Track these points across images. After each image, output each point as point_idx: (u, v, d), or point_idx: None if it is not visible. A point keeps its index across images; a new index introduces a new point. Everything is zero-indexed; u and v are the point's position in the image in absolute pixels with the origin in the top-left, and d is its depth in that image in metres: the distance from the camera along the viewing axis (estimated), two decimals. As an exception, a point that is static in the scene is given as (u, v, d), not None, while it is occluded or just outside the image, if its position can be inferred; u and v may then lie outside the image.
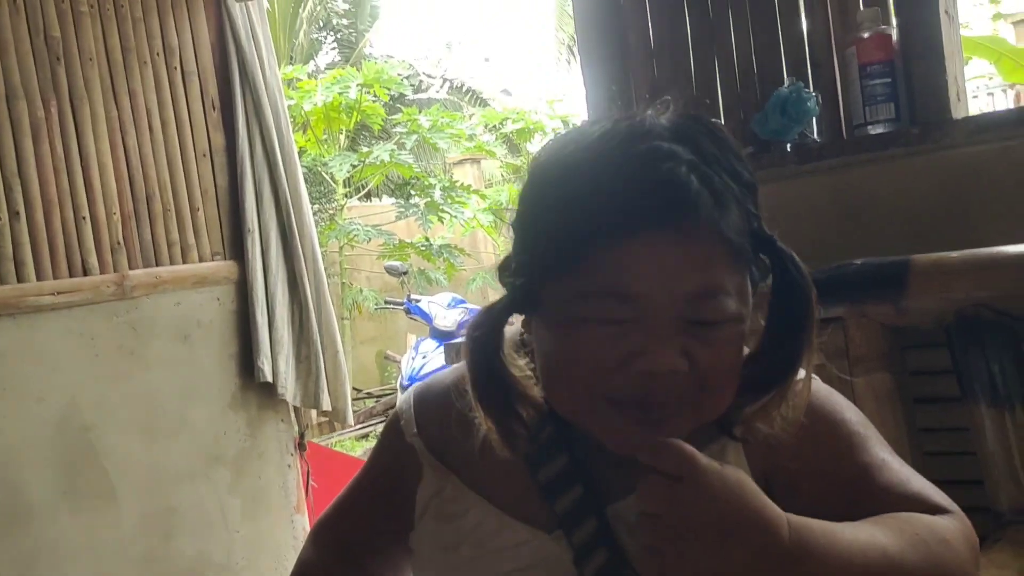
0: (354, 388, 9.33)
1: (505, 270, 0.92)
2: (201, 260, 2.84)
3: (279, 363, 2.89)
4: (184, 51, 2.86)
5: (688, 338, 0.81)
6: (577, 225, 0.81)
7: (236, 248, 2.92)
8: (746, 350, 0.88)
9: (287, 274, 2.96)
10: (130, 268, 2.66)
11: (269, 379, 2.86)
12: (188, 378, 2.77)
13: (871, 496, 0.87)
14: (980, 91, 10.34)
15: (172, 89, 2.83)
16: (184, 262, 2.80)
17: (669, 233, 0.79)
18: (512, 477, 0.98)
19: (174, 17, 2.83)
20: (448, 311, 6.72)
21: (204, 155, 2.89)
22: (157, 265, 2.74)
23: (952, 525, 0.85)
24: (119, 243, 2.65)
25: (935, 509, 0.87)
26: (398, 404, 1.11)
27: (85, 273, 2.57)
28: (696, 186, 0.79)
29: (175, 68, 2.83)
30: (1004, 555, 1.35)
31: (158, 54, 2.79)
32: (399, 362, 7.36)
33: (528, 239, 0.89)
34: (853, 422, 0.95)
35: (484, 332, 0.91)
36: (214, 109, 2.91)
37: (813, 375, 0.96)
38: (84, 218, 2.58)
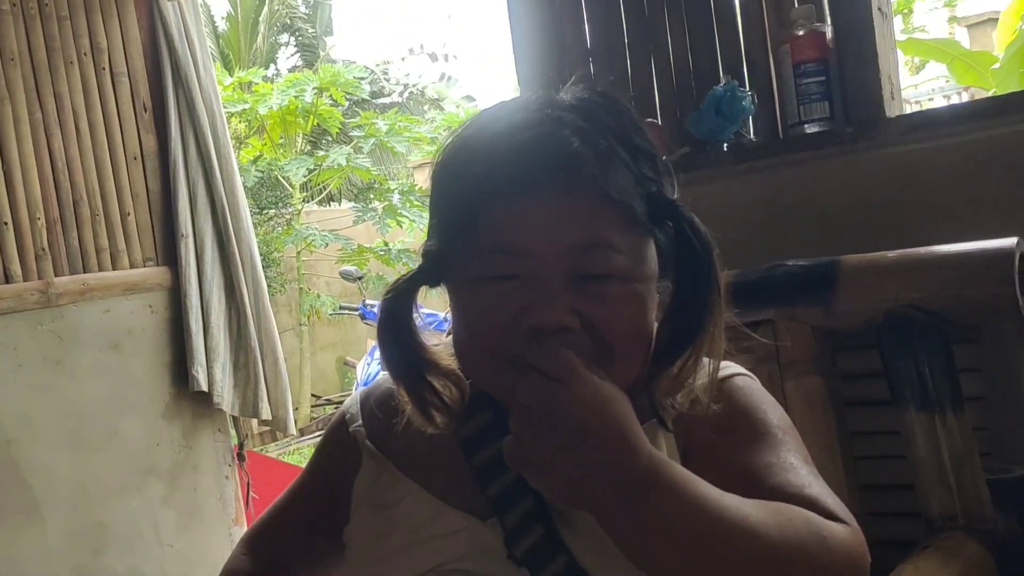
0: (313, 395, 9.25)
1: (420, 251, 0.96)
2: (132, 266, 2.77)
3: (215, 371, 2.82)
4: (113, 51, 2.78)
5: (577, 296, 0.85)
6: (471, 188, 0.87)
7: (169, 254, 2.84)
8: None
9: (224, 280, 2.89)
10: (56, 275, 2.58)
11: (204, 388, 2.79)
12: (118, 388, 2.68)
13: (762, 493, 0.84)
14: (936, 94, 10.45)
15: (101, 90, 2.75)
16: (114, 268, 2.72)
17: (553, 190, 0.84)
18: (450, 465, 0.99)
19: (102, 16, 2.75)
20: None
21: (135, 158, 2.81)
22: (85, 272, 2.66)
23: (839, 530, 0.82)
24: (44, 250, 2.56)
25: (827, 515, 0.83)
26: (344, 404, 1.13)
27: (7, 280, 2.48)
28: (577, 147, 0.84)
29: (104, 69, 2.75)
30: (932, 563, 1.31)
31: (85, 54, 2.70)
32: (356, 368, 7.28)
33: (434, 212, 0.94)
34: (772, 424, 0.94)
35: (392, 301, 0.94)
36: (145, 111, 2.84)
37: (748, 374, 1.00)
38: (5, 224, 2.49)
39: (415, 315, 0.96)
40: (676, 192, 0.94)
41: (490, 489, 0.96)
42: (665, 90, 2.18)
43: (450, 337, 0.97)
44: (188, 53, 2.85)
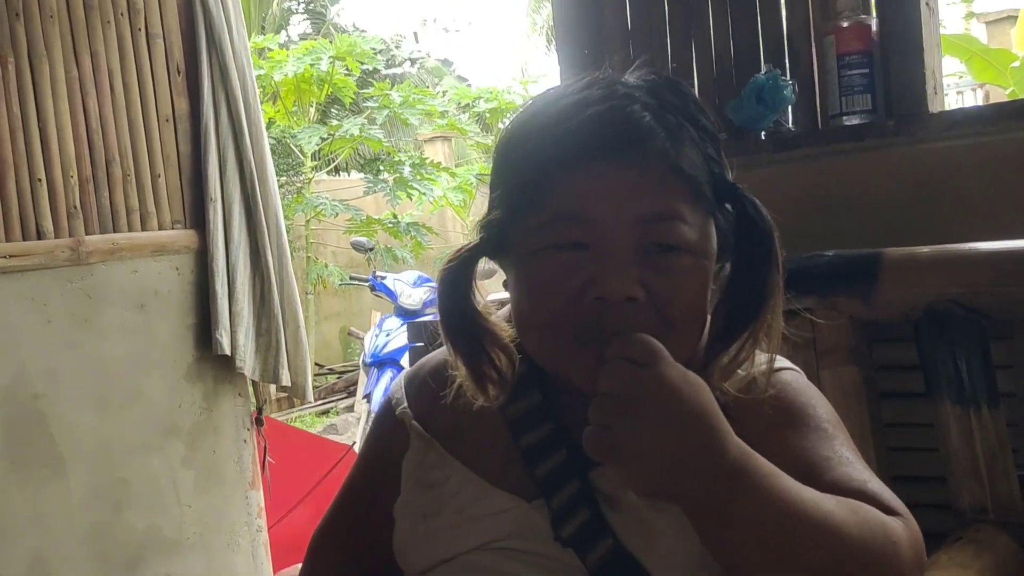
0: (316, 364, 9.27)
1: (480, 223, 0.96)
2: (161, 228, 2.77)
3: (238, 336, 2.83)
4: (149, 12, 2.77)
5: (645, 268, 0.85)
6: (540, 157, 0.87)
7: (197, 217, 2.84)
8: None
9: (249, 245, 2.90)
10: (87, 234, 2.59)
11: (227, 352, 2.80)
12: (143, 348, 2.70)
13: (822, 487, 0.85)
14: (950, 89, 10.44)
15: (136, 51, 2.74)
16: (143, 229, 2.73)
17: (624, 161, 0.85)
18: (496, 445, 0.99)
19: (139, -24, 2.74)
20: (413, 289, 6.67)
21: (167, 120, 2.81)
22: (115, 231, 2.66)
23: (901, 527, 0.83)
24: (75, 207, 2.57)
25: (888, 511, 0.85)
26: (391, 389, 1.13)
27: (39, 237, 2.49)
28: (649, 120, 0.86)
29: (139, 29, 2.74)
30: (965, 554, 1.34)
31: (122, 14, 2.70)
32: (363, 339, 7.30)
33: (497, 184, 0.95)
34: (822, 417, 0.94)
35: (454, 270, 0.94)
36: (179, 73, 2.84)
37: (795, 368, 1.00)
38: (40, 180, 2.50)
39: (475, 285, 0.96)
40: (732, 176, 0.95)
41: (537, 470, 0.96)
42: (705, 76, 2.18)
43: (505, 309, 0.99)
44: (222, 17, 2.85)
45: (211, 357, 2.82)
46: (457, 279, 0.95)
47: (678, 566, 0.91)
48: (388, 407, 1.10)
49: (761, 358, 0.92)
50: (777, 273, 0.90)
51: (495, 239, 0.93)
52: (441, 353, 1.05)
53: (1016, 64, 6.11)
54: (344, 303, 10.05)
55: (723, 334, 0.90)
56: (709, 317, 0.92)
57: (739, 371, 0.91)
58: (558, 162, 0.86)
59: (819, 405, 0.96)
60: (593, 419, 0.75)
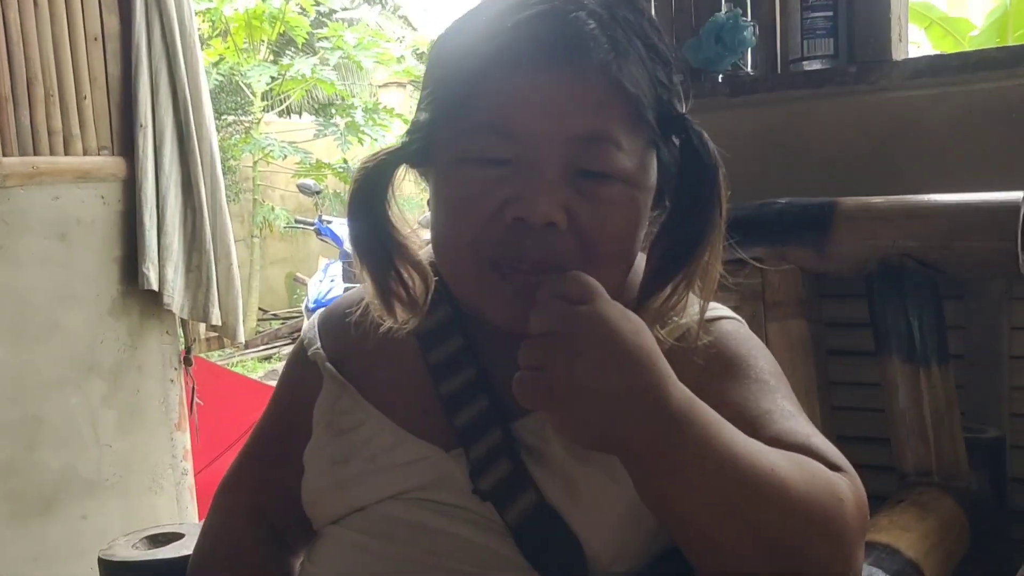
0: (260, 309, 9.13)
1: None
2: (86, 153, 2.61)
3: (167, 271, 2.70)
4: (78, -79, 2.59)
5: (572, 192, 0.79)
6: (471, 58, 0.80)
7: (126, 144, 2.68)
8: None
9: (181, 176, 2.75)
10: (3, 155, 2.43)
11: (154, 287, 2.67)
12: (64, 280, 2.55)
13: (764, 441, 0.78)
14: (908, 58, 10.43)
15: (62, -36, 2.57)
16: (66, 154, 2.57)
17: (562, 71, 0.78)
18: (415, 391, 0.93)
19: None
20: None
21: (95, 39, 2.64)
22: (35, 154, 2.50)
23: (846, 483, 0.77)
24: (-9, 126, 2.41)
25: (832, 467, 0.78)
26: (303, 329, 1.06)
27: (-49, 156, 2.33)
28: (594, 29, 0.77)
29: (66, -61, 2.57)
30: (908, 516, 1.28)
31: (48, -79, 2.52)
32: (308, 284, 7.16)
33: (426, 83, 0.87)
34: (764, 369, 0.88)
35: (368, 175, 0.87)
36: (109, -11, 2.67)
37: (737, 317, 0.93)
38: (-48, 95, 2.34)
39: (391, 193, 0.88)
40: (685, 108, 0.87)
41: (457, 419, 0.89)
42: (663, 14, 2.08)
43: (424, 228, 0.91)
44: (158, -69, 2.68)
45: (137, 292, 2.69)
46: (371, 185, 0.87)
47: (603, 522, 0.85)
48: (300, 348, 1.03)
49: (696, 306, 0.86)
50: (718, 213, 0.82)
51: (419, 145, 0.86)
52: (359, 292, 0.98)
53: (975, 32, 6.10)
54: (291, 248, 9.88)
55: (656, 275, 0.83)
56: (645, 257, 0.86)
57: (673, 318, 0.85)
58: (488, 63, 0.79)
59: (761, 357, 0.89)
60: (524, 362, 0.68)
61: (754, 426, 0.79)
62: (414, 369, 0.94)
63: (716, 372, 0.85)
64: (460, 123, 0.81)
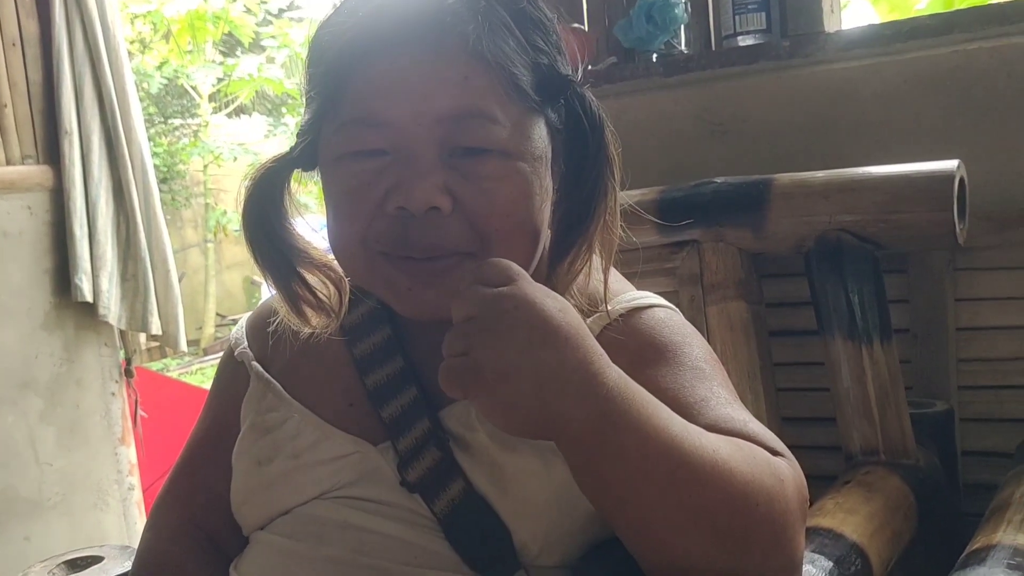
0: (218, 314, 9.00)
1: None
2: (9, 163, 2.52)
3: (101, 281, 2.61)
4: (-10, -78, 2.50)
5: (452, 173, 0.77)
6: (336, 51, 0.78)
7: (52, 152, 2.60)
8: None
9: (112, 183, 2.67)
10: (-80, 169, 2.34)
11: (89, 298, 2.58)
12: (-8, 295, 2.47)
13: (702, 427, 0.75)
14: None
15: (-25, -34, 2.48)
16: (-11, 165, 2.48)
17: (421, 51, 0.76)
18: (341, 384, 0.91)
19: None
20: (315, 236, 6.45)
21: (13, 44, 2.55)
22: (-45, 166, 2.42)
23: (785, 465, 0.75)
24: (-95, 139, 2.31)
25: (770, 452, 0.76)
26: (233, 331, 1.05)
27: None
28: (452, 4, 0.76)
29: (-22, -58, 2.47)
30: (853, 498, 1.24)
31: (-43, -77, 2.43)
32: (264, 287, 7.06)
33: (307, 80, 0.85)
34: (698, 356, 0.85)
35: (258, 186, 0.86)
36: (26, -7, 2.57)
37: (670, 305, 0.90)
38: None
39: (286, 199, 0.87)
40: (576, 73, 0.85)
41: (384, 411, 0.87)
42: (593, -6, 2.04)
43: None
44: (75, -69, 2.58)
45: (71, 304, 2.61)
46: (263, 195, 0.86)
47: (533, 511, 0.82)
48: (229, 350, 1.02)
49: (599, 274, 0.85)
50: (608, 172, 0.81)
51: (304, 147, 0.84)
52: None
53: (921, 5, 6.12)
54: (246, 251, 9.72)
55: (559, 243, 0.82)
56: (548, 228, 0.83)
57: (576, 280, 0.83)
58: (352, 54, 0.77)
59: (695, 344, 0.87)
60: (448, 350, 0.66)
61: (690, 413, 0.77)
62: (340, 363, 0.92)
63: (649, 359, 0.83)
64: (334, 119, 0.80)
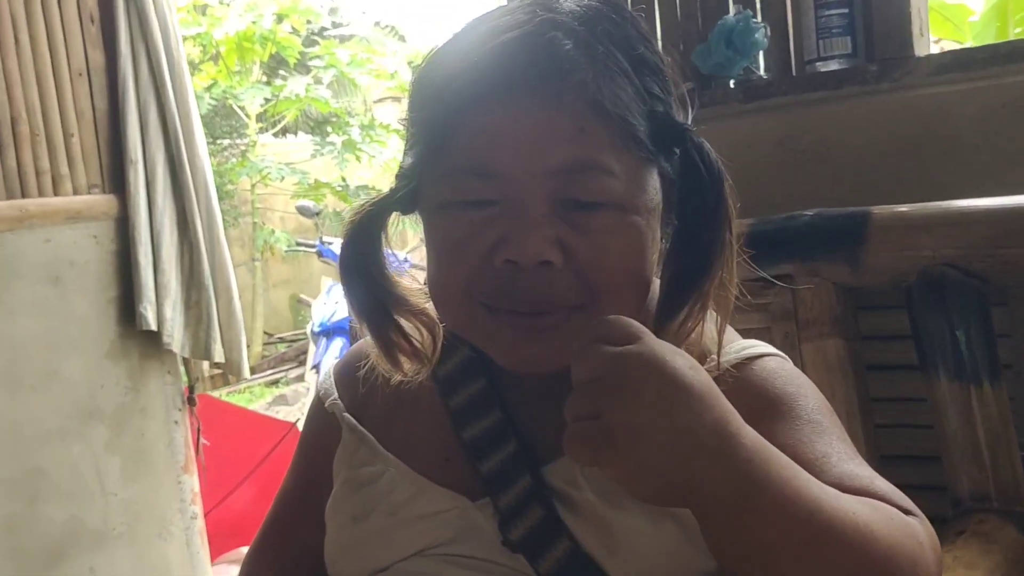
0: (265, 333, 9.04)
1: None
2: (76, 192, 2.53)
3: (165, 309, 2.61)
4: (57, -45, 2.51)
5: (563, 226, 0.74)
6: (445, 97, 0.76)
7: (117, 181, 2.60)
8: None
9: (176, 211, 2.67)
10: (-10, 199, 2.34)
11: (153, 327, 2.58)
12: (59, 325, 2.47)
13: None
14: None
15: (43, 0, 2.48)
16: (56, 194, 2.49)
17: (536, 100, 0.73)
18: (436, 437, 0.89)
19: (44, -85, 2.48)
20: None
21: (80, 75, 2.56)
22: (23, 197, 2.42)
23: (919, 525, 0.72)
24: (-24, 170, 2.32)
25: (902, 511, 0.73)
26: (320, 380, 1.02)
27: (-65, 203, 2.25)
28: (569, 50, 0.73)
29: (46, -26, 2.48)
30: (971, 552, 1.19)
31: (26, -43, 2.44)
32: (312, 306, 7.07)
33: (410, 123, 0.83)
34: (814, 409, 0.82)
35: (356, 230, 0.84)
36: (92, 23, 2.58)
37: (780, 354, 0.87)
38: (-66, 141, 2.25)
39: (384, 244, 0.85)
40: (688, 118, 0.82)
41: (483, 465, 0.84)
42: (668, 19, 2.01)
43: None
44: (140, -40, 2.59)
45: (136, 333, 2.60)
46: (361, 237, 0.84)
47: (643, 571, 0.79)
48: (318, 401, 0.99)
49: (713, 331, 0.81)
50: (726, 228, 0.78)
51: (406, 191, 0.82)
52: (366, 342, 0.93)
53: (974, 18, 6.01)
54: (293, 270, 9.79)
55: (669, 300, 0.79)
56: (658, 281, 0.81)
57: (689, 337, 0.79)
58: (461, 101, 0.75)
59: (810, 395, 0.84)
60: (572, 413, 0.63)
61: (811, 470, 0.73)
62: (435, 415, 0.89)
63: (764, 413, 0.79)
64: (440, 167, 0.77)
